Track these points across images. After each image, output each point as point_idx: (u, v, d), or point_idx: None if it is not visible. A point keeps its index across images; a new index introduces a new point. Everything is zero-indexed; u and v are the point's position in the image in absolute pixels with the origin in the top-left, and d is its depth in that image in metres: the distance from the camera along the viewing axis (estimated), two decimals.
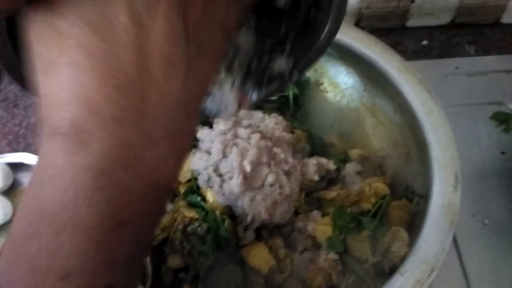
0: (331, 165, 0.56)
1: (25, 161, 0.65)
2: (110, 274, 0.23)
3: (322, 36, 0.32)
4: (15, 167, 0.65)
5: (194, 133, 0.25)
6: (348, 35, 0.59)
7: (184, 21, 0.22)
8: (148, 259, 0.48)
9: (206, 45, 0.23)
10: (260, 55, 0.34)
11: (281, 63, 0.34)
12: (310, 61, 0.34)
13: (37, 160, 0.22)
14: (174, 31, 0.21)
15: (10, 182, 0.64)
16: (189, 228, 0.51)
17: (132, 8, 0.20)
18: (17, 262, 0.22)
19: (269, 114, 0.57)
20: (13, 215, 0.62)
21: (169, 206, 0.54)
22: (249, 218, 0.51)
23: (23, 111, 0.75)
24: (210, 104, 0.33)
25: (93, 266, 0.22)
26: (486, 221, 0.61)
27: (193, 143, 0.56)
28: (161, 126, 0.22)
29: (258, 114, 0.56)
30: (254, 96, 0.35)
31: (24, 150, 0.69)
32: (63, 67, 0.20)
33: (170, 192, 0.25)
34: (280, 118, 0.56)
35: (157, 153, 0.22)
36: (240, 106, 0.33)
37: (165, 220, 0.53)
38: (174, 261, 0.52)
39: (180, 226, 0.51)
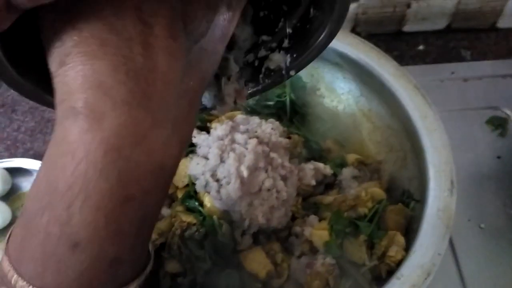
0: (328, 170, 0.57)
1: (24, 166, 0.65)
2: (118, 247, 0.24)
3: (322, 37, 0.32)
4: (14, 172, 0.65)
5: (194, 122, 0.26)
6: (344, 41, 0.60)
7: (183, 18, 0.24)
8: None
9: (206, 38, 0.26)
10: (256, 48, 0.35)
11: (278, 58, 0.34)
12: (308, 60, 0.34)
13: (51, 141, 0.24)
14: (174, 27, 0.24)
15: (8, 187, 0.64)
16: (186, 233, 0.51)
17: (138, 8, 0.23)
18: (28, 235, 0.24)
19: (266, 119, 0.57)
20: (12, 219, 0.62)
21: (167, 211, 0.54)
22: (247, 223, 0.51)
23: (21, 116, 0.76)
24: (205, 98, 0.34)
25: (102, 237, 0.23)
26: (482, 225, 0.61)
27: (191, 149, 0.56)
28: (165, 109, 0.24)
29: (255, 119, 0.57)
30: (249, 90, 0.35)
31: (22, 155, 0.69)
32: (77, 56, 0.22)
33: (173, 175, 0.26)
34: (277, 123, 0.57)
35: (162, 133, 0.24)
36: (236, 100, 0.34)
37: (163, 225, 0.53)
38: (172, 266, 0.53)
39: (178, 231, 0.51)
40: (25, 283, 0.23)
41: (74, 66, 0.22)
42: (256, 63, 0.35)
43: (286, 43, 0.33)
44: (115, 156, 0.22)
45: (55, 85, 0.23)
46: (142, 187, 0.24)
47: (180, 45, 0.24)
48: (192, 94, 0.26)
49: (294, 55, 0.34)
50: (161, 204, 0.27)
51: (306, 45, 0.33)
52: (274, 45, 0.34)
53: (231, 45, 0.33)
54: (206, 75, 0.27)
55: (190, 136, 0.28)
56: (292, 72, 0.34)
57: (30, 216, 0.24)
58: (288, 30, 0.33)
